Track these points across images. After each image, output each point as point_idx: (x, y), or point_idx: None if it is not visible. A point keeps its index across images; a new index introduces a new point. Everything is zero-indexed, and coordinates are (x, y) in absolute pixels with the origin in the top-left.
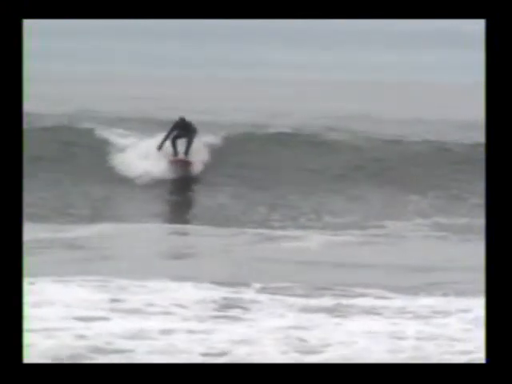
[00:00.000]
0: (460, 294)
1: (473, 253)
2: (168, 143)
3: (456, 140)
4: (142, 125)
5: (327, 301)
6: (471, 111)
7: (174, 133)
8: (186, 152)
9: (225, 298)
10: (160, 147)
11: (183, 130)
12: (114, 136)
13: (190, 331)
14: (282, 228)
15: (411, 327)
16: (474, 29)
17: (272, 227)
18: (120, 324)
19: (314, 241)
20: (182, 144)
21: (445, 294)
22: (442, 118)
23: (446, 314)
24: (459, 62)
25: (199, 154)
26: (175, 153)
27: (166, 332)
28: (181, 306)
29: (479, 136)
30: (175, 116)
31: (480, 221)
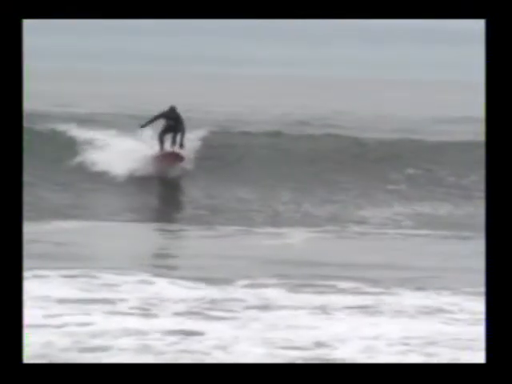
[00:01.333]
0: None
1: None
2: (151, 132)
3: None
4: (118, 121)
5: (310, 297)
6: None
7: (163, 124)
8: (181, 144)
9: (206, 296)
10: (143, 126)
11: (173, 121)
12: (90, 133)
13: (169, 330)
14: (263, 224)
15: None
16: (435, 25)
17: (253, 222)
18: (96, 321)
19: (296, 238)
20: (168, 139)
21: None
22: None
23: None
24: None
25: (190, 148)
26: (162, 148)
27: (141, 331)
28: (160, 303)
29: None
30: (147, 112)
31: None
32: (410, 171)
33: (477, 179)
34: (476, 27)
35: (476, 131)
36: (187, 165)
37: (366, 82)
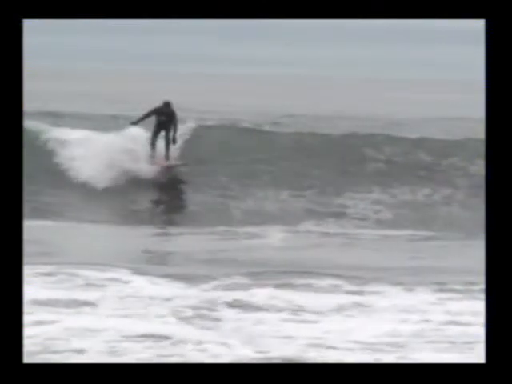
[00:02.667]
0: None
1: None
2: (140, 130)
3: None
4: (92, 121)
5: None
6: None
7: (155, 121)
8: (173, 140)
9: (181, 296)
10: (134, 123)
11: (166, 116)
12: (64, 133)
13: (143, 329)
14: (242, 223)
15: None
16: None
17: (231, 221)
18: (70, 321)
19: (275, 237)
20: (161, 138)
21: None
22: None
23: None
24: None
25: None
26: (153, 151)
27: (119, 329)
28: (134, 301)
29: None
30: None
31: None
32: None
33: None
34: (476, 27)
35: (474, 130)
36: (178, 174)
37: (362, 81)
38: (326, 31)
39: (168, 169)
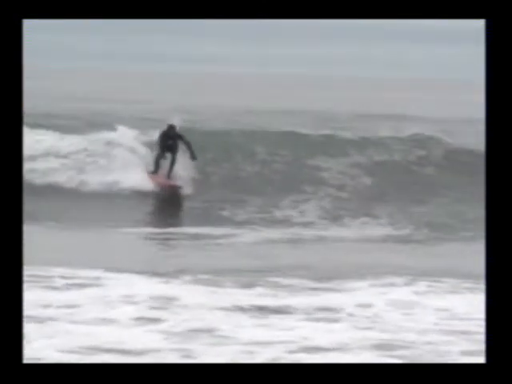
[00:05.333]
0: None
1: None
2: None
3: None
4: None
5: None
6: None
7: (161, 144)
8: (193, 157)
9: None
10: (155, 171)
11: (173, 140)
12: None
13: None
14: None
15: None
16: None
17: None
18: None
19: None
20: (167, 159)
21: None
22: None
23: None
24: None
25: (186, 171)
26: (156, 170)
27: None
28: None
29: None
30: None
31: None
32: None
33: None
34: (476, 27)
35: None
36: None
37: (360, 81)
38: (315, 29)
39: (169, 187)
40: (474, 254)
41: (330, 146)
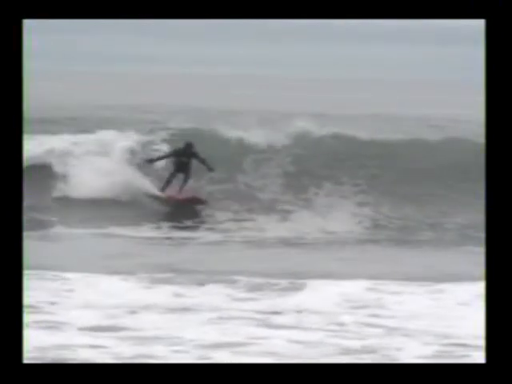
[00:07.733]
0: None
1: None
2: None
3: None
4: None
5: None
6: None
7: (175, 161)
8: (210, 168)
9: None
10: (150, 162)
11: (187, 158)
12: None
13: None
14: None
15: None
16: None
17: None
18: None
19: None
20: (179, 178)
21: None
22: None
23: None
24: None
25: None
26: (166, 188)
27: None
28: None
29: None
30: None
31: None
32: None
33: None
34: (476, 27)
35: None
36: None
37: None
38: (315, 30)
39: (179, 201)
40: None
41: None
